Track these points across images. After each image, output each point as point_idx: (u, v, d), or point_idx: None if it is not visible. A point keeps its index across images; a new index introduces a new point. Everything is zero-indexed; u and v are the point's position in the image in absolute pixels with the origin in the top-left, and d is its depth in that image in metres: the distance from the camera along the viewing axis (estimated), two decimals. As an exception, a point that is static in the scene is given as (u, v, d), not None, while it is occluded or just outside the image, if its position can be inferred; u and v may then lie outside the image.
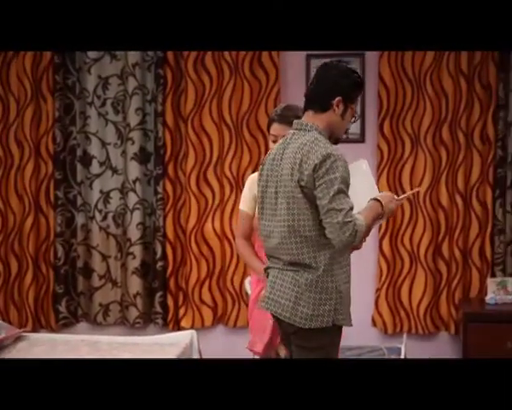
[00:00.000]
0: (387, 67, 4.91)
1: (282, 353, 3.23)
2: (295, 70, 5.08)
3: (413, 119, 4.93)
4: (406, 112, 4.93)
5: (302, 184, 2.80)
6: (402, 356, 4.56)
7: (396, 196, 3.02)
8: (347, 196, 2.78)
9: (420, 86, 4.90)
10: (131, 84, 5.12)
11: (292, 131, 2.95)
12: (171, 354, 3.62)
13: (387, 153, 4.96)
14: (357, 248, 2.99)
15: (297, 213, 2.83)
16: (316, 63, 5.01)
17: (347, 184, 2.80)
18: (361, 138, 5.06)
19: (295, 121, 2.98)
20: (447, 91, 4.85)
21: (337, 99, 2.89)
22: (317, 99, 2.91)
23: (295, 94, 5.03)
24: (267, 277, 3.01)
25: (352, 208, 2.77)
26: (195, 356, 3.89)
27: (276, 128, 3.30)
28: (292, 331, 2.90)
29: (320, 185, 2.76)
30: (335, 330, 2.89)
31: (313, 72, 4.86)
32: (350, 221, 2.73)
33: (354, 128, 5.04)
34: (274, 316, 2.98)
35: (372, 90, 5.00)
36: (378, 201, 2.92)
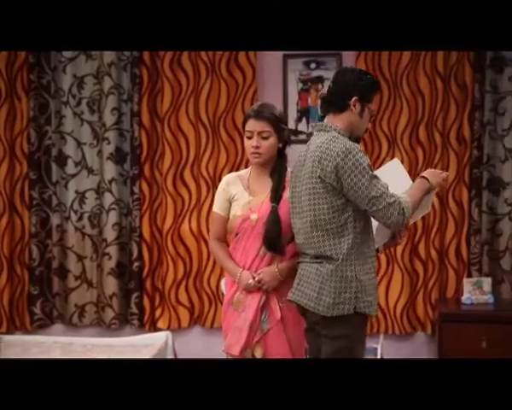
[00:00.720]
0: (364, 66, 4.90)
1: (258, 353, 3.21)
2: (272, 70, 5.07)
3: (390, 119, 4.93)
4: (383, 112, 4.93)
5: (323, 178, 2.96)
6: (378, 356, 4.56)
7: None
8: (379, 179, 2.94)
9: (396, 86, 4.91)
10: (107, 83, 5.08)
11: (314, 134, 3.12)
12: (146, 355, 3.60)
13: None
14: (398, 243, 3.23)
15: (318, 208, 2.99)
16: (292, 63, 5.03)
17: (372, 170, 2.96)
18: (338, 138, 5.05)
19: (316, 124, 3.16)
20: (423, 91, 4.86)
21: (354, 99, 3.05)
22: (335, 100, 3.08)
23: (272, 94, 5.04)
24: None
25: (387, 188, 2.94)
26: (170, 357, 3.87)
27: (252, 124, 3.27)
28: (316, 320, 3.03)
29: (351, 180, 2.91)
30: (359, 319, 3.00)
31: (290, 72, 5.02)
32: (394, 201, 2.92)
33: (331, 128, 5.04)
34: (300, 307, 3.10)
35: (349, 90, 4.99)
36: (423, 177, 3.11)
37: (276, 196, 3.25)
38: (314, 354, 3.14)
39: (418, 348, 5.02)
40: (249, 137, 3.27)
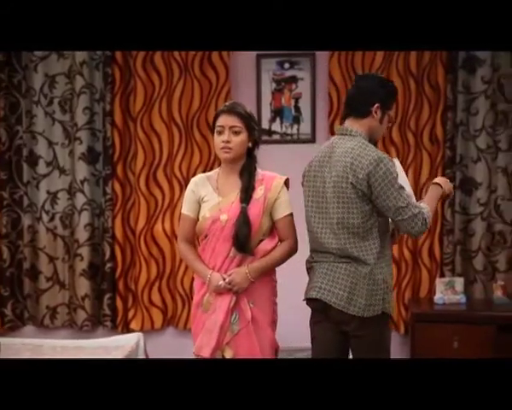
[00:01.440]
0: (337, 66, 4.90)
1: (228, 354, 3.19)
2: (246, 70, 5.05)
3: (363, 119, 4.93)
4: (356, 112, 4.93)
5: (355, 185, 3.08)
6: (350, 356, 4.55)
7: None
8: (405, 190, 3.11)
9: (370, 87, 4.90)
10: (79, 82, 5.03)
11: (337, 136, 3.22)
12: (116, 357, 3.55)
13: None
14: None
15: (347, 212, 3.12)
16: (266, 63, 5.01)
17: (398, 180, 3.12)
18: (312, 138, 5.05)
19: (340, 127, 3.24)
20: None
21: (376, 106, 3.19)
22: (358, 106, 3.21)
23: (246, 93, 5.02)
24: (309, 271, 3.27)
25: (411, 198, 3.13)
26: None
27: (223, 119, 3.24)
28: (343, 320, 3.16)
29: (381, 189, 3.06)
30: (385, 319, 3.20)
31: (263, 71, 5.00)
32: (418, 212, 3.09)
33: (305, 128, 5.04)
34: (325, 305, 3.17)
35: (322, 90, 5.00)
36: (437, 184, 3.32)
37: (245, 196, 3.22)
38: (326, 348, 3.25)
39: (392, 348, 4.99)
40: (220, 132, 3.24)
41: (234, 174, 3.29)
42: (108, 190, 5.05)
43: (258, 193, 3.24)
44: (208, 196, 3.29)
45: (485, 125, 4.84)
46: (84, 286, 5.11)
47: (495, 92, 4.83)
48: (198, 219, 3.30)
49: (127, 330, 5.07)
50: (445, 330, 4.37)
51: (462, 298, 4.70)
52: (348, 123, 3.23)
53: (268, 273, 3.30)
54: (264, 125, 5.03)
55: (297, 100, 5.05)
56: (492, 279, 4.87)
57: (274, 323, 3.33)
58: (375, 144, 3.25)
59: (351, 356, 3.34)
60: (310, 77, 5.00)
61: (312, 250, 3.29)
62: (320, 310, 3.23)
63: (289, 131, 5.07)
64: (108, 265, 5.09)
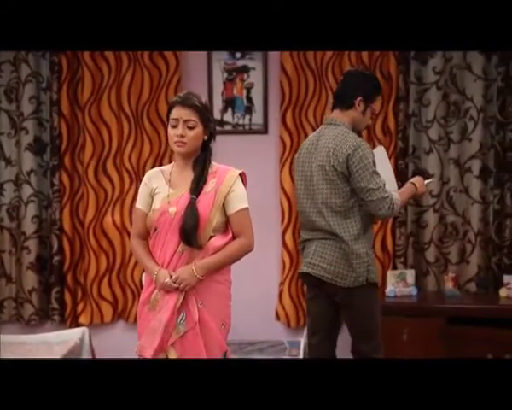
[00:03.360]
0: (289, 56, 4.84)
1: (172, 356, 3.08)
2: (196, 59, 4.95)
3: (316, 109, 4.88)
4: (309, 102, 4.88)
5: (336, 167, 3.46)
6: (301, 350, 4.52)
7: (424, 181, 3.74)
8: (379, 175, 3.46)
9: (322, 76, 4.86)
10: (25, 71, 4.91)
11: (324, 126, 3.62)
12: (58, 353, 3.46)
13: (290, 144, 4.89)
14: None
15: (330, 192, 3.49)
16: (217, 52, 4.92)
17: (375, 166, 3.47)
18: (264, 129, 4.98)
19: (326, 117, 3.70)
20: (349, 82, 4.81)
21: (358, 99, 3.55)
22: (343, 98, 3.59)
23: (197, 83, 4.93)
24: (303, 249, 3.65)
25: (384, 184, 3.45)
26: (85, 355, 3.75)
27: (178, 112, 3.10)
28: (334, 292, 3.53)
29: (357, 171, 3.43)
30: (371, 288, 3.54)
31: (215, 61, 4.92)
32: (387, 196, 3.44)
33: (257, 119, 4.97)
34: (315, 279, 3.54)
35: (274, 80, 4.93)
36: (412, 183, 3.69)
37: (196, 187, 3.09)
38: (319, 321, 3.66)
39: (346, 340, 4.97)
40: (174, 126, 3.12)
41: (187, 167, 3.17)
42: (56, 181, 4.94)
43: (210, 186, 3.12)
44: (160, 189, 3.17)
45: (437, 116, 4.81)
46: (31, 280, 5.01)
47: (447, 83, 4.81)
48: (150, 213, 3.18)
49: (76, 324, 4.97)
50: (395, 323, 4.33)
51: (413, 290, 4.67)
52: (334, 114, 3.61)
53: (220, 273, 3.14)
54: (216, 115, 4.95)
55: (249, 90, 4.97)
56: (444, 271, 4.86)
57: (224, 326, 3.14)
58: (359, 134, 3.59)
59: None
60: (262, 67, 4.93)
61: (303, 229, 3.66)
62: (312, 284, 3.60)
63: (241, 122, 5.00)
64: (56, 258, 4.98)
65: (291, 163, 4.88)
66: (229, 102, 4.99)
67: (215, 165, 3.19)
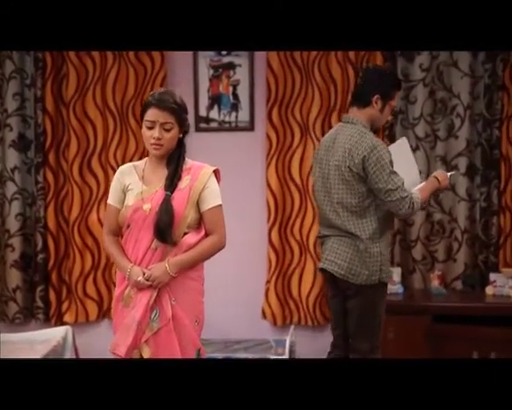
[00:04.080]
0: (275, 54, 4.81)
1: (146, 354, 3.05)
2: (182, 55, 4.91)
3: (302, 106, 4.85)
4: (295, 99, 4.85)
5: (352, 168, 3.46)
6: (286, 348, 4.49)
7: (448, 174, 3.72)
8: (397, 175, 3.44)
9: (308, 74, 4.83)
10: (8, 67, 4.87)
11: (341, 124, 3.62)
12: (40, 352, 3.43)
13: (276, 141, 4.86)
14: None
15: (345, 193, 3.51)
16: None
17: (392, 165, 3.46)
18: (250, 126, 4.95)
19: (344, 115, 3.66)
20: (336, 79, 4.79)
21: (376, 96, 3.53)
22: (360, 96, 3.57)
23: (182, 80, 4.91)
24: (321, 244, 3.68)
25: (403, 183, 3.44)
26: (68, 355, 3.71)
27: (153, 114, 3.06)
28: (347, 287, 3.56)
29: (374, 172, 3.43)
30: (381, 287, 3.57)
31: (200, 57, 4.88)
32: (406, 196, 3.43)
33: (243, 116, 4.94)
34: (331, 275, 3.59)
35: (260, 77, 4.90)
36: (435, 177, 3.64)
37: (170, 184, 3.08)
38: (338, 318, 3.68)
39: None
40: (150, 128, 3.09)
41: (161, 164, 3.14)
42: (40, 178, 4.90)
43: (184, 182, 3.10)
44: (133, 185, 3.14)
45: (423, 113, 4.80)
46: (15, 278, 4.97)
47: (434, 80, 4.79)
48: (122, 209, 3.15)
49: (61, 322, 4.93)
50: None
51: (399, 288, 4.66)
52: (351, 112, 3.60)
53: (193, 269, 3.11)
54: (202, 112, 4.92)
55: (235, 87, 4.94)
56: (431, 269, 4.85)
57: (198, 323, 3.12)
58: (377, 131, 3.64)
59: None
60: (248, 64, 4.90)
61: (322, 225, 3.69)
62: (330, 280, 3.65)
63: (227, 119, 4.97)
64: (41, 256, 4.95)
65: (277, 160, 4.87)
66: (215, 99, 4.96)
67: (189, 162, 3.16)
